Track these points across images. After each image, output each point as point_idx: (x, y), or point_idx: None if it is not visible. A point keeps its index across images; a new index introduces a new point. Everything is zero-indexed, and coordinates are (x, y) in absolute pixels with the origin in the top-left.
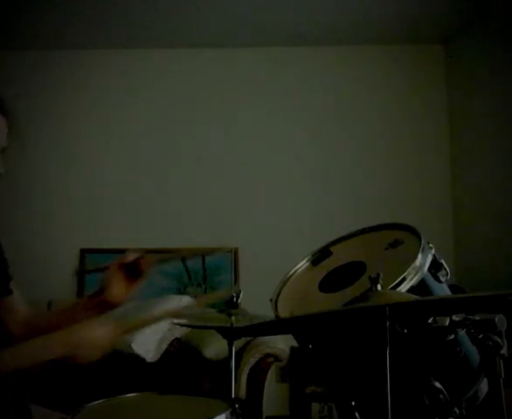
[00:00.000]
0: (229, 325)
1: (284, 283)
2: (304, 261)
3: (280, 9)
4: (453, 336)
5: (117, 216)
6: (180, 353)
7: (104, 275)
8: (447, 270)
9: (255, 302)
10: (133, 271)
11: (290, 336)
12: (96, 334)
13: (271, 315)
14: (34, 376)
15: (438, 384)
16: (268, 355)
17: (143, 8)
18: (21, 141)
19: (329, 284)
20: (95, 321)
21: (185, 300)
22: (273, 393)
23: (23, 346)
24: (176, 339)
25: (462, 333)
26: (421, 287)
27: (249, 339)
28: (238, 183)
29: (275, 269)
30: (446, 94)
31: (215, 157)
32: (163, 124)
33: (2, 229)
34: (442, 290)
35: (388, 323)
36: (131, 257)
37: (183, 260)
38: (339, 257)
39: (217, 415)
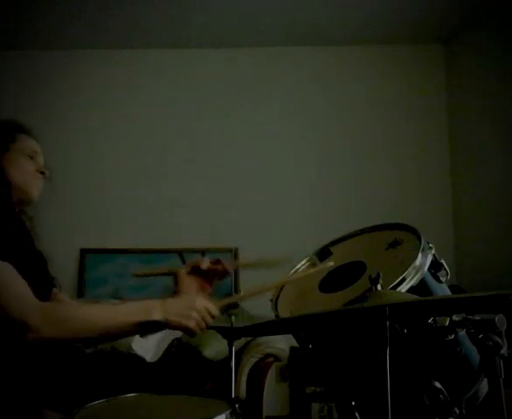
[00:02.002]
0: (229, 325)
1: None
2: (304, 261)
3: (279, 9)
4: (453, 336)
5: (117, 216)
6: (180, 353)
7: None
8: (447, 270)
9: (255, 302)
10: (204, 275)
11: (290, 336)
12: (206, 304)
13: (271, 315)
14: (45, 379)
15: (438, 384)
16: (268, 355)
17: (143, 8)
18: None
19: (329, 284)
20: (198, 296)
21: None
22: (273, 393)
23: (124, 305)
24: (176, 339)
25: (462, 333)
26: (421, 287)
27: (249, 339)
28: (238, 183)
29: (275, 269)
30: (446, 94)
31: (215, 157)
32: (163, 124)
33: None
34: (442, 290)
35: (388, 323)
36: (204, 264)
37: (184, 259)
38: (339, 257)
39: (217, 415)
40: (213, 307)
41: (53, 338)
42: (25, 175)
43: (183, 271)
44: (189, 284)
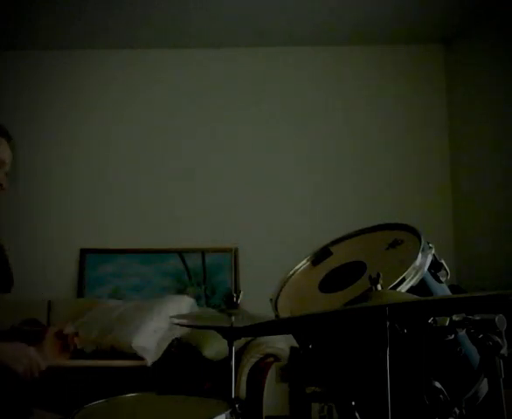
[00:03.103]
0: (229, 325)
1: (284, 283)
2: (304, 261)
3: (279, 9)
4: (453, 336)
5: (117, 216)
6: (180, 353)
7: (40, 333)
8: (447, 270)
9: (255, 302)
10: (64, 342)
11: (290, 336)
12: (37, 357)
13: (271, 315)
14: (36, 379)
15: (438, 384)
16: (268, 355)
17: (143, 8)
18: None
19: (329, 284)
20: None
21: (186, 300)
22: (273, 393)
23: None
24: (176, 339)
25: (462, 333)
26: (421, 287)
27: (249, 339)
28: (238, 183)
29: (275, 269)
30: (446, 94)
31: (215, 157)
32: (163, 124)
33: (2, 229)
34: (442, 290)
35: (388, 323)
36: (68, 330)
37: (184, 259)
38: (339, 257)
39: (217, 415)
40: (43, 363)
41: None
42: None
43: (51, 329)
44: (53, 343)
